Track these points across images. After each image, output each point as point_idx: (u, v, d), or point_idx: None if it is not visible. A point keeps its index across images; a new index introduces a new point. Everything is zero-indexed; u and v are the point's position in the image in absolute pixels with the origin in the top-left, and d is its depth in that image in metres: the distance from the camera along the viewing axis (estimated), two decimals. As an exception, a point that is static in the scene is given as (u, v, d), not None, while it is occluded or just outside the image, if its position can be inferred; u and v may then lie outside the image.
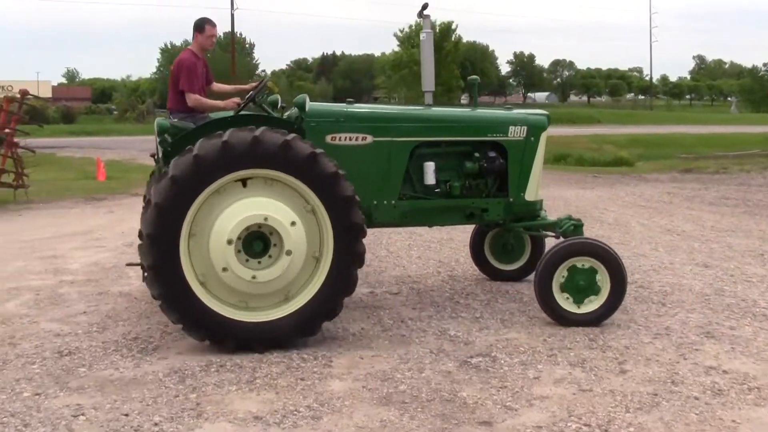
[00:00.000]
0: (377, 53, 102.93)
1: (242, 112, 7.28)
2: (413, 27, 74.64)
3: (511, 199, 7.76)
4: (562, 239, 7.37)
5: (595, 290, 6.96)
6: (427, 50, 8.08)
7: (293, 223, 6.33)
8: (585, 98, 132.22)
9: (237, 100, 7.80)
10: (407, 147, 7.49)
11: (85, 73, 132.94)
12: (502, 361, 6.06)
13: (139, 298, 8.05)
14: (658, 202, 16.03)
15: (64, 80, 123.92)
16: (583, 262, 6.96)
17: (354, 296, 7.48)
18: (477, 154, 7.70)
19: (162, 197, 6.12)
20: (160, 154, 6.92)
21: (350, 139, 7.34)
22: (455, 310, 7.58)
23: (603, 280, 6.95)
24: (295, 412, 5.10)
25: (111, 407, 5.20)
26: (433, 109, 8.06)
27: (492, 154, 7.70)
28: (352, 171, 6.78)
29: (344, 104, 7.62)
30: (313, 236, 6.47)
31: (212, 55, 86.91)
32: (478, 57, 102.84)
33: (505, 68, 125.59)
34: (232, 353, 6.21)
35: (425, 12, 8.00)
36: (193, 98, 7.72)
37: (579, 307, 6.99)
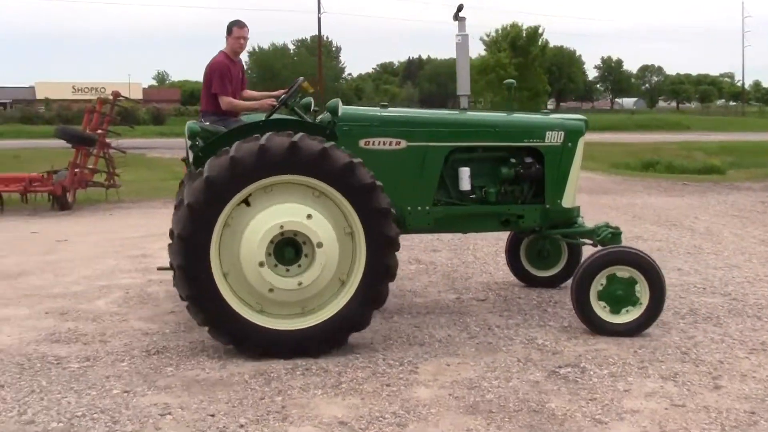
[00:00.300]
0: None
1: (275, 116, 7.22)
2: (499, 31, 74.20)
3: (547, 206, 7.66)
4: (600, 247, 7.30)
5: (633, 300, 6.85)
6: (462, 54, 7.96)
7: (309, 216, 6.25)
8: (674, 104, 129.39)
9: (272, 101, 7.65)
10: (442, 152, 7.42)
11: (175, 76, 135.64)
12: (592, 373, 5.91)
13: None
14: (752, 211, 15.51)
15: (154, 82, 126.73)
16: (622, 272, 6.85)
17: (441, 302, 7.39)
18: (513, 160, 7.60)
19: (195, 198, 6.11)
20: (191, 159, 6.83)
21: (384, 143, 7.30)
22: (543, 319, 7.44)
23: (642, 290, 6.82)
24: (381, 419, 5.05)
25: (197, 407, 5.23)
26: (469, 113, 7.98)
27: (528, 159, 7.61)
28: (385, 176, 6.74)
29: (378, 108, 7.59)
30: (345, 253, 6.41)
31: (299, 58, 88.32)
32: (565, 62, 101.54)
33: (592, 73, 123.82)
34: (308, 358, 6.20)
35: (460, 14, 7.86)
36: (226, 101, 7.58)
37: (616, 316, 6.87)
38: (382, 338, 6.78)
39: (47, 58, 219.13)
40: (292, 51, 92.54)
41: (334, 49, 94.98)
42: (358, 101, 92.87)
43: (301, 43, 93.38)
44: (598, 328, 6.87)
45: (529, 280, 8.84)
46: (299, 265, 6.28)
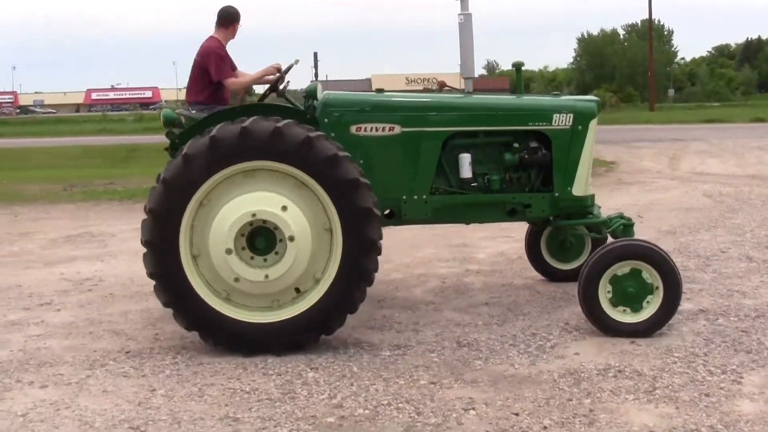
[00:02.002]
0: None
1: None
2: None
3: (556, 194, 7.11)
4: (611, 240, 6.89)
5: (647, 297, 6.38)
6: (465, 34, 7.24)
7: (284, 208, 6.06)
8: None
9: (277, 65, 7.40)
10: (439, 137, 6.96)
11: (505, 65, 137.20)
12: None
13: (541, 293, 7.93)
14: None
15: (484, 72, 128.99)
16: (634, 266, 6.36)
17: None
18: (517, 145, 7.09)
19: (171, 174, 6.03)
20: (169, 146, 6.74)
21: (377, 129, 6.86)
22: None
23: (655, 286, 6.35)
24: (696, 432, 4.62)
25: (502, 404, 5.10)
26: (471, 96, 7.34)
27: (534, 144, 7.07)
28: (378, 164, 6.70)
29: (372, 93, 7.20)
30: (322, 250, 6.18)
31: (629, 44, 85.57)
32: None
33: None
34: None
35: None
36: (229, 82, 7.40)
37: (628, 315, 6.41)
38: (703, 342, 6.24)
39: (383, 52, 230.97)
40: (621, 36, 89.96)
41: (666, 32, 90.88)
42: (691, 87, 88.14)
43: (631, 28, 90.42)
44: (606, 327, 6.42)
45: (551, 274, 8.41)
46: (265, 260, 6.14)
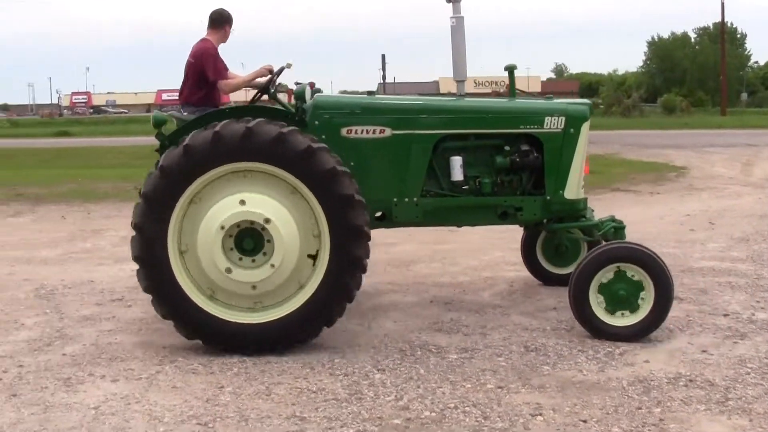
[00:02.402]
0: None
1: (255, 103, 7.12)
2: None
3: (548, 197, 7.06)
4: (603, 243, 6.91)
5: (637, 301, 6.41)
6: (457, 37, 7.21)
7: (267, 221, 6.11)
8: None
9: (269, 66, 7.51)
10: (429, 140, 6.94)
11: (574, 68, 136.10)
12: None
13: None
14: None
15: (552, 75, 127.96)
16: (625, 270, 6.41)
17: None
18: (508, 148, 7.06)
19: (150, 189, 6.16)
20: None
21: (367, 132, 6.87)
22: None
23: (646, 289, 6.38)
24: (771, 445, 4.51)
25: (570, 411, 5.05)
26: (461, 99, 7.28)
27: (525, 147, 7.04)
28: (369, 166, 6.76)
29: (363, 95, 7.20)
30: (307, 234, 6.26)
31: (700, 47, 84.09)
32: None
33: None
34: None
35: None
36: (223, 84, 7.53)
37: (617, 318, 6.46)
38: (781, 352, 6.09)
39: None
40: (693, 40, 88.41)
41: (738, 36, 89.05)
42: (765, 91, 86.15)
43: (703, 31, 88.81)
44: (596, 330, 6.48)
45: (547, 278, 8.40)
46: (253, 260, 6.23)
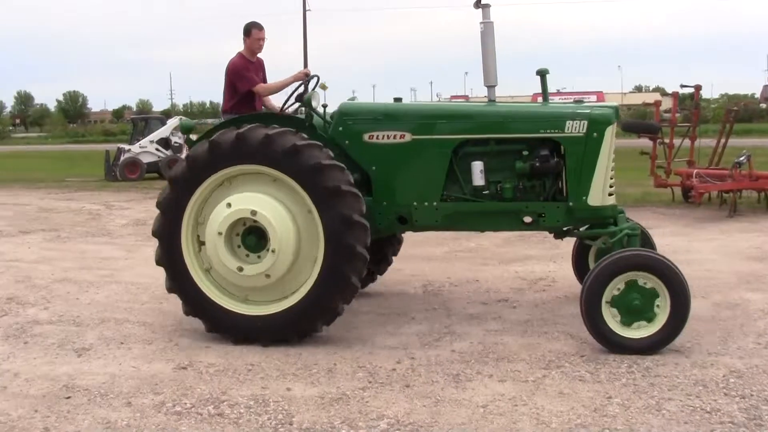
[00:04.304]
0: None
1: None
2: None
3: (570, 204, 6.89)
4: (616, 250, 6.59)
5: (651, 312, 6.24)
6: (487, 42, 7.20)
7: (254, 213, 6.53)
8: None
9: (306, 70, 7.83)
10: (449, 145, 7.01)
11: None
12: None
13: None
14: None
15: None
16: (639, 279, 6.24)
17: None
18: (528, 153, 6.98)
19: (163, 198, 6.90)
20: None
21: (388, 137, 7.04)
22: None
23: (662, 300, 6.20)
24: None
25: None
26: (481, 104, 7.39)
27: (545, 152, 6.91)
28: (390, 170, 7.03)
29: (386, 102, 7.46)
30: (311, 232, 6.63)
31: None
32: None
33: None
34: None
35: (483, 1, 7.13)
36: (259, 88, 7.99)
37: (631, 330, 6.28)
38: None
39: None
40: None
41: None
42: None
43: None
44: (612, 344, 6.29)
45: None
46: (258, 256, 6.68)
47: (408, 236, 8.50)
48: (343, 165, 6.61)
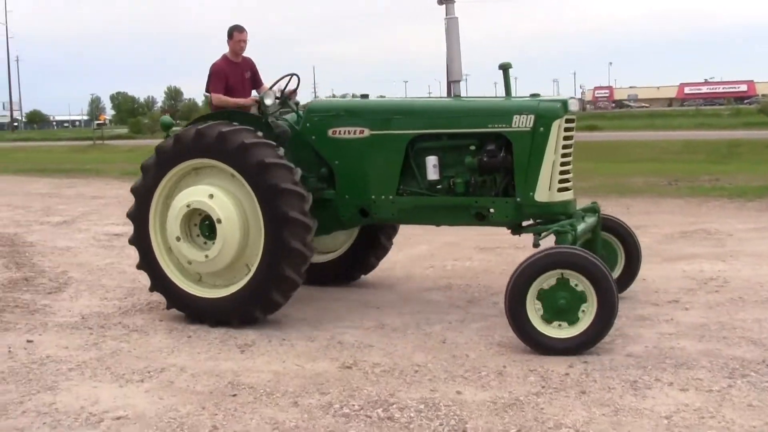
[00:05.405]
0: None
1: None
2: None
3: (518, 199, 6.85)
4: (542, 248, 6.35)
5: (577, 312, 6.06)
6: (452, 38, 7.41)
7: (211, 196, 7.03)
8: None
9: (255, 97, 8.13)
10: (403, 140, 7.19)
11: None
12: None
13: None
14: None
15: None
16: (564, 277, 6.05)
17: None
18: (477, 148, 7.03)
19: (136, 184, 7.62)
20: None
21: (349, 132, 7.34)
22: None
23: (588, 299, 6.03)
24: None
25: None
26: (436, 99, 7.63)
27: (492, 147, 6.93)
28: (351, 165, 7.32)
29: (350, 99, 7.93)
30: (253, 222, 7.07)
31: None
32: None
33: None
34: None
35: None
36: (215, 97, 8.11)
37: (558, 330, 6.10)
38: None
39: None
40: None
41: None
42: None
43: None
44: (538, 345, 6.13)
45: None
46: (205, 243, 7.23)
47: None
48: (291, 165, 6.98)
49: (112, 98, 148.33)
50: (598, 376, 5.70)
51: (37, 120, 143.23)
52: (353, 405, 5.26)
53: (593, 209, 7.52)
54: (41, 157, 37.99)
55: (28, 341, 6.88)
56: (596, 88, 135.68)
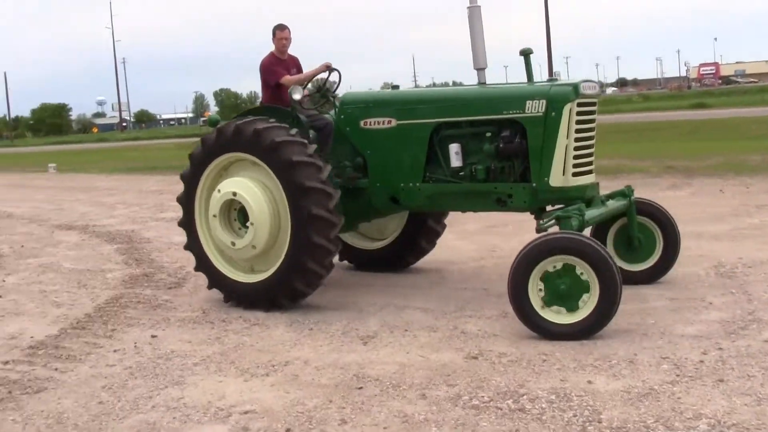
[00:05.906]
0: None
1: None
2: None
3: (534, 185, 6.85)
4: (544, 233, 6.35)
5: (579, 297, 6.02)
6: (475, 25, 7.42)
7: (234, 194, 7.49)
8: None
9: (328, 63, 8.28)
10: (427, 129, 7.39)
11: None
12: None
13: None
14: None
15: None
16: (564, 263, 6.01)
17: None
18: (494, 134, 7.10)
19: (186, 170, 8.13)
20: None
21: (378, 123, 7.60)
22: None
23: (590, 283, 5.96)
24: None
25: None
26: (455, 88, 8.42)
27: (507, 133, 6.99)
28: (381, 154, 7.62)
29: (381, 90, 8.77)
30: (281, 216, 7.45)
31: None
32: None
33: None
34: None
35: None
36: (284, 79, 8.22)
37: (562, 316, 6.08)
38: None
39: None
40: None
41: None
42: None
43: None
44: (543, 330, 6.08)
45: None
46: (240, 228, 7.67)
47: (688, 213, 7.85)
48: (320, 162, 7.25)
49: (216, 95, 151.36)
50: (735, 363, 5.44)
51: (144, 119, 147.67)
52: (482, 396, 5.15)
53: (623, 193, 7.47)
54: (150, 155, 38.99)
55: (153, 336, 7.00)
56: (701, 65, 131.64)
